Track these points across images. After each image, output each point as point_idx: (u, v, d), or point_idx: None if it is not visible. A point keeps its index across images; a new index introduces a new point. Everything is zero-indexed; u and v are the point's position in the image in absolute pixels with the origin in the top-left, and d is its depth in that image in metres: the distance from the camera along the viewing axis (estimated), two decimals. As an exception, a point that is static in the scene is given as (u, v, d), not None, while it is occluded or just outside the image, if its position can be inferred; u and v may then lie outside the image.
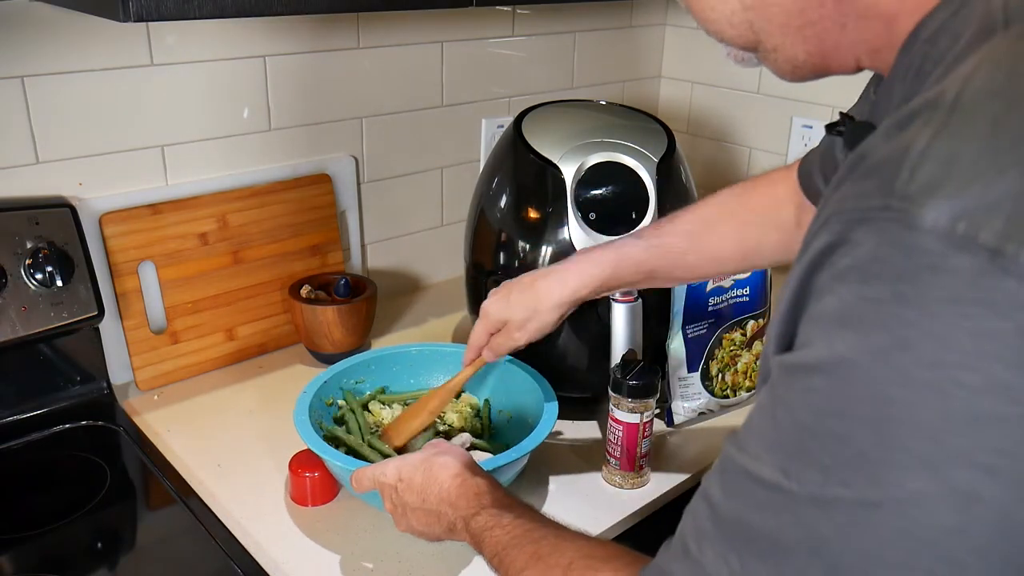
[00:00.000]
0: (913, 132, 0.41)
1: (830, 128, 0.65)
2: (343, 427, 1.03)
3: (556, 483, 1.03)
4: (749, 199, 0.93)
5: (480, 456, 0.96)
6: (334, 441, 0.98)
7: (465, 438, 1.00)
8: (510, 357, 1.08)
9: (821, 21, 0.54)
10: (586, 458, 1.07)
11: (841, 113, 0.65)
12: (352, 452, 0.97)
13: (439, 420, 1.05)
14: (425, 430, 1.01)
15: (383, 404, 1.07)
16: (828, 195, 0.46)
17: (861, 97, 0.77)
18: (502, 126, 1.52)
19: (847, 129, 0.62)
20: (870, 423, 0.40)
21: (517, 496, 0.76)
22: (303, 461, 0.96)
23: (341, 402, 1.05)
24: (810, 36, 0.56)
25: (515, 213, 1.12)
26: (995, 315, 0.37)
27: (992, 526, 0.39)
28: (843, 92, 1.60)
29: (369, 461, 0.92)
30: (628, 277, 0.92)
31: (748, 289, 1.15)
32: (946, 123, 0.41)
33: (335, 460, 0.88)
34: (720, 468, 0.49)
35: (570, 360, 1.13)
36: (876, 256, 0.40)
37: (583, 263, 0.92)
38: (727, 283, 1.13)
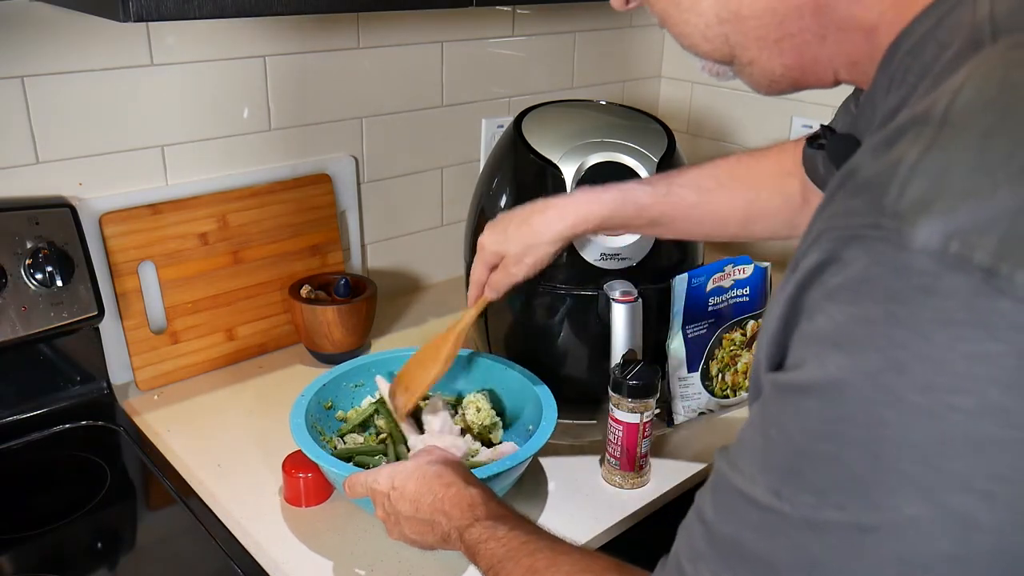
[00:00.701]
0: (902, 148, 0.40)
1: (811, 141, 0.65)
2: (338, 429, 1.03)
3: (556, 483, 1.03)
4: (760, 165, 0.93)
5: (486, 454, 0.96)
6: (340, 448, 0.98)
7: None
8: (510, 362, 1.08)
9: (800, 34, 0.53)
10: (586, 458, 1.07)
11: (822, 126, 0.64)
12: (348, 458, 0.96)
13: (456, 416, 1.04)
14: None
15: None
16: (819, 210, 0.45)
17: (840, 110, 0.76)
18: (502, 126, 1.52)
19: (828, 142, 0.62)
20: (864, 446, 0.40)
21: (512, 505, 0.75)
22: (297, 462, 0.96)
23: (340, 413, 1.05)
24: (787, 49, 0.55)
25: (515, 213, 1.12)
26: (990, 337, 0.36)
27: (989, 553, 0.38)
28: (843, 92, 1.60)
29: (362, 467, 0.93)
30: (630, 219, 0.91)
31: (748, 289, 1.15)
32: (936, 138, 0.40)
33: (330, 465, 0.88)
34: (713, 486, 0.49)
35: (570, 360, 1.13)
36: (867, 276, 0.39)
37: (585, 198, 0.92)
38: (727, 283, 1.13)
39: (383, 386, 1.03)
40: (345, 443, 1.00)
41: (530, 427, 1.00)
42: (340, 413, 1.04)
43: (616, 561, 0.63)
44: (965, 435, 0.37)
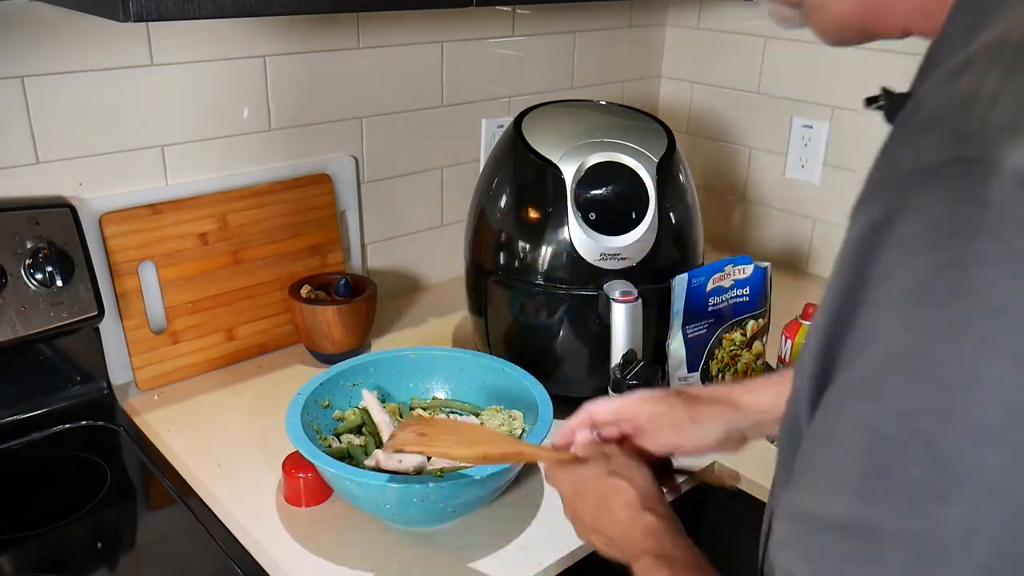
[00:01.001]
0: (975, 77, 0.37)
1: (869, 102, 0.62)
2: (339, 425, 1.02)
3: (556, 483, 1.03)
4: None
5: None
6: (333, 447, 0.98)
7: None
8: (507, 362, 1.07)
9: None
10: (586, 458, 1.07)
11: (882, 88, 0.62)
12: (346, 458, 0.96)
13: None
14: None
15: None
16: (873, 167, 0.41)
17: None
18: (502, 126, 1.52)
19: (887, 103, 0.57)
20: (965, 415, 0.35)
21: (685, 540, 0.68)
22: (296, 462, 0.96)
23: (337, 412, 1.05)
24: None
25: (515, 213, 1.12)
26: None
27: None
28: (843, 92, 1.60)
29: (363, 467, 0.92)
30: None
31: (748, 289, 1.15)
32: (1016, 62, 0.37)
33: (326, 465, 0.87)
34: (795, 537, 0.43)
35: (570, 360, 1.13)
36: (949, 215, 0.35)
37: None
38: (727, 283, 1.13)
39: (369, 399, 1.02)
40: (341, 443, 1.00)
41: (525, 428, 1.00)
42: (337, 412, 1.04)
43: None
44: None
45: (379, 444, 0.99)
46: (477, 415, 1.05)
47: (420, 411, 1.07)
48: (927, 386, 0.36)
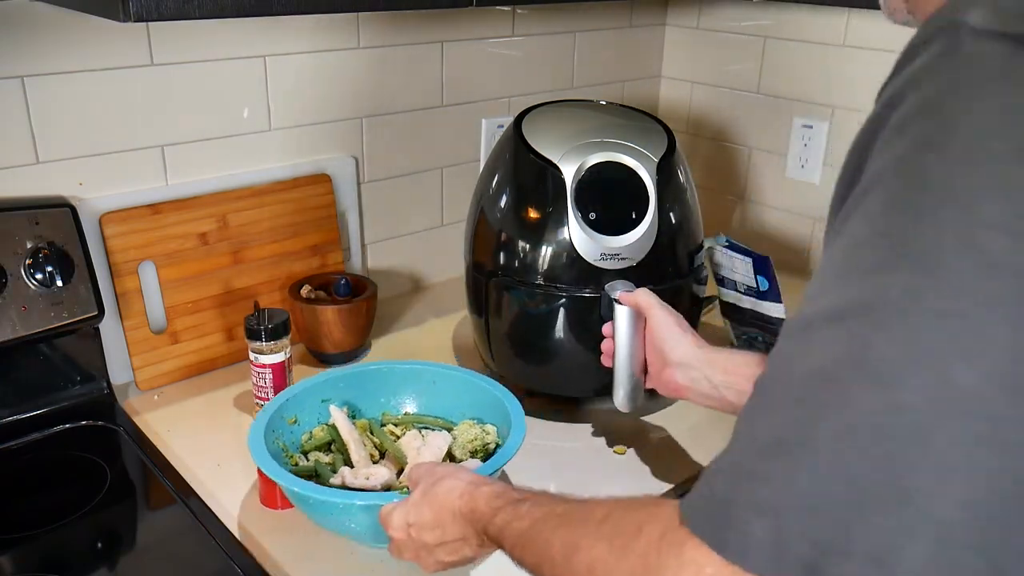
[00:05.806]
0: None
1: None
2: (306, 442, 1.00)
3: (557, 484, 1.02)
4: None
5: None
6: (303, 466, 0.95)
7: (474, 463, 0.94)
8: (483, 376, 1.04)
9: None
10: (585, 458, 1.07)
11: None
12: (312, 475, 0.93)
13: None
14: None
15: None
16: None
17: None
18: (502, 126, 1.52)
19: None
20: (918, 208, 0.43)
21: (530, 490, 0.70)
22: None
23: (306, 434, 1.01)
24: None
25: (515, 213, 1.12)
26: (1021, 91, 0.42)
27: (1017, 293, 0.41)
28: (843, 92, 1.60)
29: (328, 485, 0.90)
30: None
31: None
32: None
33: (285, 482, 0.84)
34: (771, 359, 0.49)
35: (570, 360, 1.12)
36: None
37: None
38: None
39: (337, 415, 0.98)
40: (308, 460, 0.96)
41: (499, 442, 0.96)
42: (306, 435, 1.00)
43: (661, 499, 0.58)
44: (998, 178, 0.42)
45: (347, 462, 0.96)
46: (450, 430, 1.01)
47: (391, 427, 1.03)
48: (905, 185, 0.44)
